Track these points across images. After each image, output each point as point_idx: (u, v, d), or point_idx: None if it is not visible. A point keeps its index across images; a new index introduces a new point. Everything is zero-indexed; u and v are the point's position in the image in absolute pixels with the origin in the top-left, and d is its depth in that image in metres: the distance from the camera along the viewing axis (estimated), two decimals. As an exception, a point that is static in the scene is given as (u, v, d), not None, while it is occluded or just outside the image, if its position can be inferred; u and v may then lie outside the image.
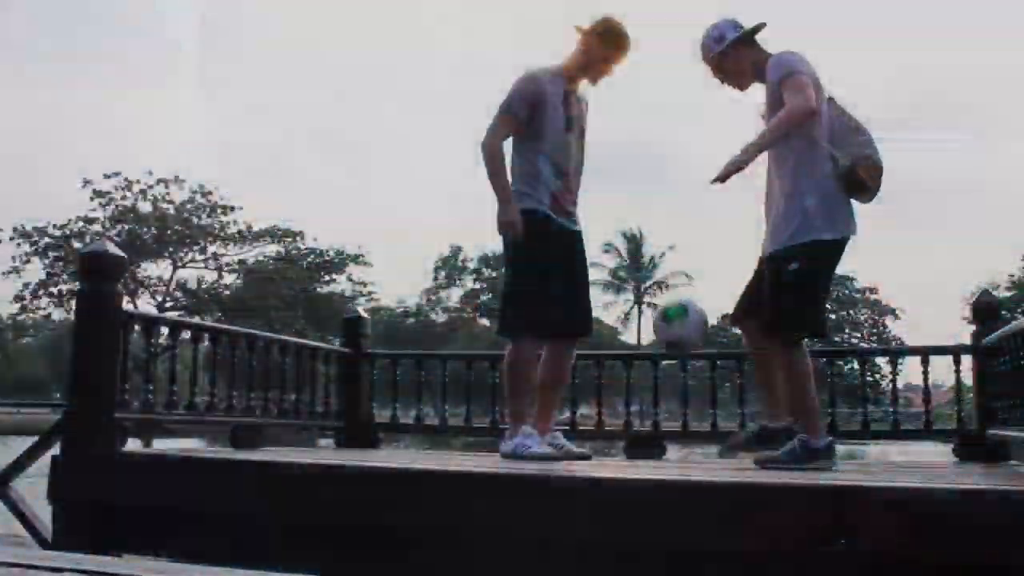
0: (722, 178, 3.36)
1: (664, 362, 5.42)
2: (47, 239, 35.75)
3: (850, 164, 3.35)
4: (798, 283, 3.37)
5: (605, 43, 3.86)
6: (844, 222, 3.40)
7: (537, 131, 3.80)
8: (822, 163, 3.37)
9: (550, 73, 3.87)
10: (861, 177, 3.36)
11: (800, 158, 3.37)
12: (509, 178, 3.81)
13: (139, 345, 4.72)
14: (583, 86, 3.98)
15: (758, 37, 3.61)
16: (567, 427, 5.32)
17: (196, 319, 26.51)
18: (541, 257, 3.77)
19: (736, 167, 3.35)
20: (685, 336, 3.76)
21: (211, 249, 38.42)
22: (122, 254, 3.80)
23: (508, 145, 3.88)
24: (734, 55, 3.55)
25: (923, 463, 4.66)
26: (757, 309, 3.52)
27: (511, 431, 3.79)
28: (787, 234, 3.38)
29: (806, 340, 3.49)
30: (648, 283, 50.89)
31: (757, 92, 3.61)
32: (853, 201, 3.46)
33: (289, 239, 39.26)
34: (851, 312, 52.21)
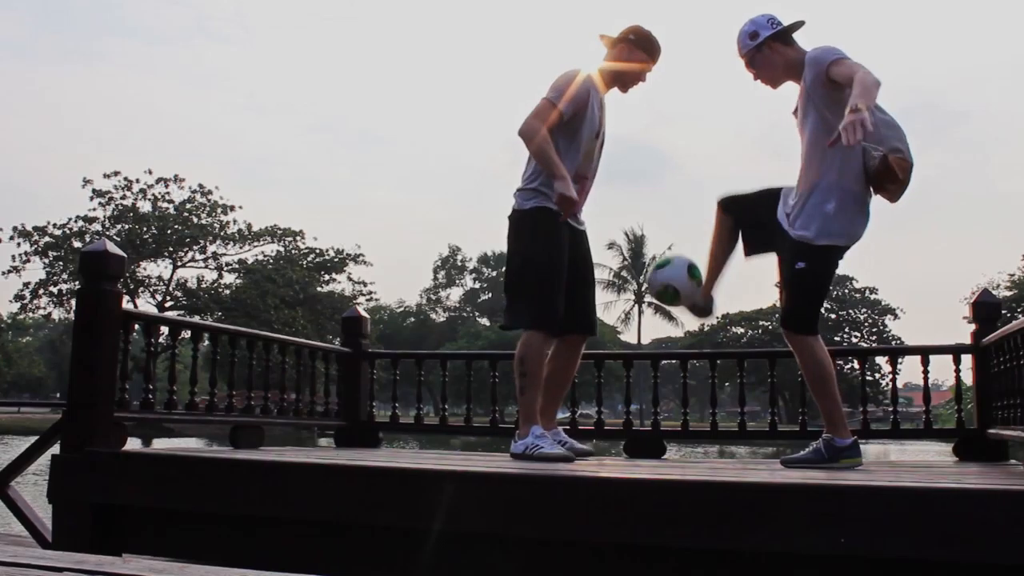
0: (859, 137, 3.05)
1: (664, 362, 5.42)
2: (47, 239, 35.77)
3: (882, 154, 3.32)
4: (802, 284, 3.43)
5: (639, 50, 3.85)
6: (855, 229, 3.41)
7: (572, 134, 3.79)
8: (851, 160, 3.35)
9: (592, 78, 3.84)
10: (892, 167, 3.31)
11: (830, 156, 3.33)
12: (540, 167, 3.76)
13: (139, 345, 4.72)
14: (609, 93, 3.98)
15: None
16: (567, 427, 5.33)
17: (196, 318, 26.54)
18: (552, 252, 3.77)
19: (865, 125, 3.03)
20: (672, 279, 3.74)
21: (211, 248, 38.50)
22: (122, 253, 3.79)
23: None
24: (768, 52, 3.53)
25: (923, 463, 4.66)
26: (749, 216, 3.62)
27: (521, 431, 3.78)
28: (805, 231, 3.39)
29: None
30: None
31: (790, 90, 3.59)
32: (871, 202, 3.45)
33: (289, 238, 39.28)
34: (851, 312, 52.22)
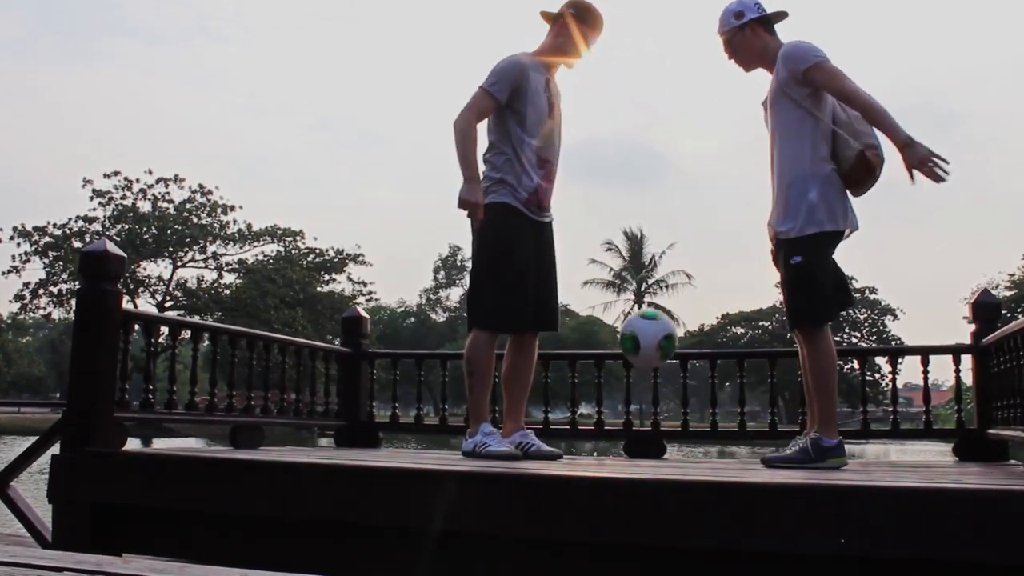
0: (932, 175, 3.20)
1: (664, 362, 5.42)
2: (47, 239, 35.75)
3: (859, 150, 3.36)
4: (802, 278, 3.40)
5: (579, 22, 3.84)
6: (844, 215, 3.41)
7: (520, 117, 3.75)
8: (821, 149, 3.40)
9: (530, 58, 3.84)
10: (869, 162, 3.37)
11: (802, 146, 3.38)
12: (480, 163, 3.78)
13: (139, 345, 4.71)
14: (557, 78, 3.94)
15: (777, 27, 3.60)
16: (567, 426, 5.33)
17: (196, 318, 26.52)
18: (509, 249, 3.73)
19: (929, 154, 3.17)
20: (641, 333, 3.69)
21: (211, 248, 38.46)
22: (122, 253, 3.79)
23: (485, 130, 3.83)
24: (749, 34, 3.55)
25: (923, 463, 4.66)
26: None
27: (471, 429, 3.77)
28: (792, 226, 3.39)
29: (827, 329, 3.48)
30: (649, 282, 50.82)
31: (761, 76, 3.61)
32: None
33: (289, 238, 39.24)
34: (851, 312, 52.19)
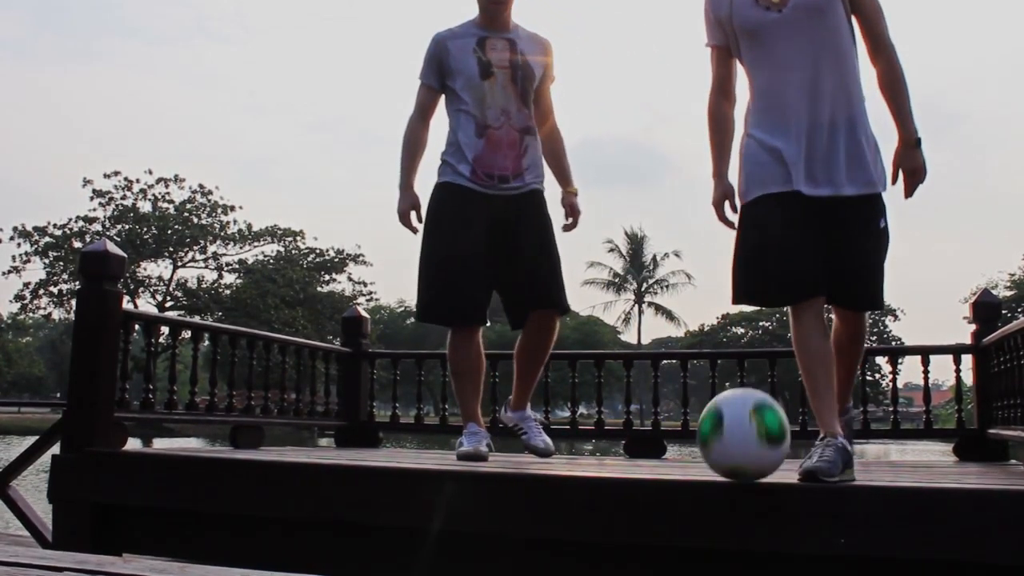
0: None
1: (664, 362, 5.42)
2: (47, 239, 35.75)
3: None
4: (886, 246, 2.76)
5: None
6: None
7: (451, 92, 3.59)
8: None
9: (457, 27, 3.64)
10: None
11: (857, 72, 2.75)
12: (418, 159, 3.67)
13: (139, 345, 4.72)
14: (520, 27, 3.66)
15: None
16: (567, 426, 5.33)
17: (196, 318, 26.52)
18: (439, 232, 3.50)
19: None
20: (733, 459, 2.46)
21: (211, 249, 38.45)
22: (122, 253, 3.79)
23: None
24: None
25: (923, 463, 4.66)
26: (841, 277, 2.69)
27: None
28: (872, 176, 2.67)
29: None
30: (650, 282, 50.79)
31: None
32: None
33: (289, 238, 39.24)
34: (851, 312, 52.04)
